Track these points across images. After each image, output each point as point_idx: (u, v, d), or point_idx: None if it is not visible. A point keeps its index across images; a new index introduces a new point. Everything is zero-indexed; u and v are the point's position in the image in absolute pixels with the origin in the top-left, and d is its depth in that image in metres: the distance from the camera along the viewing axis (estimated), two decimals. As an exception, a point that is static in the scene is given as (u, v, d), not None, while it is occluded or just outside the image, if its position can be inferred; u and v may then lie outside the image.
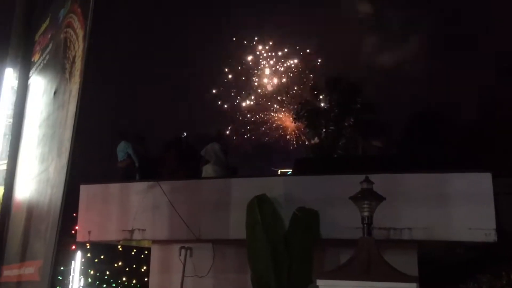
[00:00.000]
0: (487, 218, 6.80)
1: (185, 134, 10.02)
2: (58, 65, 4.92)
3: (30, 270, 4.32)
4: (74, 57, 4.53)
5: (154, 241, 9.03)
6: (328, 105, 32.26)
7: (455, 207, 7.00)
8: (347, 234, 7.49)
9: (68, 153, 4.12)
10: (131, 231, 8.40)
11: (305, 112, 33.54)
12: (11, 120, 5.84)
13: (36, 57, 5.94)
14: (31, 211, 4.79)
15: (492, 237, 6.73)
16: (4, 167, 5.69)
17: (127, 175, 9.88)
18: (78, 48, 4.47)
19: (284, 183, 8.06)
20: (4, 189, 5.64)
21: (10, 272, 5.00)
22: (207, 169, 9.17)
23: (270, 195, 7.60)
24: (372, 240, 4.78)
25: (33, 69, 5.92)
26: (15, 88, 5.95)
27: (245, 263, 8.37)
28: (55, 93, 4.82)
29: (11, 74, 5.99)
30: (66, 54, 4.72)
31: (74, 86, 4.37)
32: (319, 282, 4.49)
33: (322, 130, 32.25)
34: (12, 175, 5.70)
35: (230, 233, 7.96)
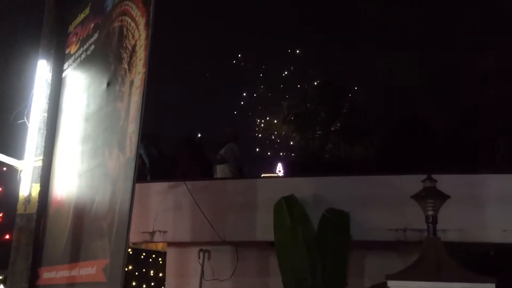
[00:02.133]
0: (522, 219, 6.79)
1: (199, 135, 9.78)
2: (110, 55, 4.68)
3: (89, 270, 4.05)
4: (134, 46, 4.30)
5: (170, 244, 8.76)
6: (316, 109, 32.46)
7: (489, 208, 6.97)
8: (377, 236, 7.42)
9: (136, 146, 3.91)
10: (152, 233, 8.11)
11: (293, 117, 33.60)
12: (45, 114, 5.55)
13: (72, 49, 5.66)
14: (83, 208, 4.51)
15: (527, 239, 6.72)
16: (40, 163, 5.39)
17: (138, 176, 9.57)
18: (140, 37, 4.25)
19: (311, 184, 7.91)
20: (40, 186, 5.34)
21: (55, 274, 4.71)
22: (224, 169, 8.96)
23: (297, 195, 7.46)
24: (439, 239, 4.69)
25: (70, 61, 5.64)
26: (49, 80, 5.67)
27: (266, 265, 8.20)
28: (108, 84, 4.57)
29: (44, 66, 5.70)
30: (123, 44, 4.48)
31: (137, 76, 4.15)
32: (391, 283, 4.35)
33: (310, 134, 32.35)
34: (48, 172, 5.41)
35: (256, 235, 7.77)
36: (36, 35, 5.70)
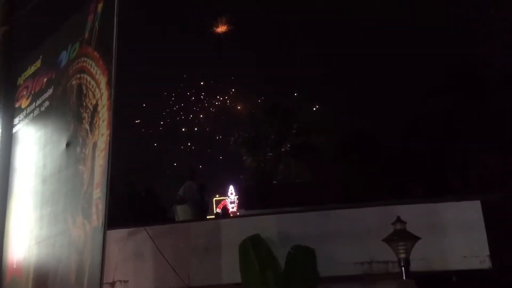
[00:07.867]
0: (480, 245, 7.02)
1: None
2: (69, 113, 4.44)
3: None
4: (95, 106, 4.11)
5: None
6: (265, 132, 32.68)
7: (448, 236, 7.17)
8: (344, 271, 7.45)
9: (104, 213, 3.70)
10: (112, 284, 7.75)
11: (242, 140, 33.67)
12: (-4, 173, 5.18)
13: (24, 103, 5.35)
14: (45, 279, 4.20)
15: (487, 264, 6.95)
16: (-8, 227, 5.01)
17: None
18: (101, 96, 4.07)
19: (275, 222, 7.87)
20: (-7, 252, 4.96)
21: None
22: (185, 210, 8.76)
23: (262, 234, 7.39)
24: (412, 282, 4.74)
25: (21, 115, 5.32)
26: (-1, 137, 5.31)
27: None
28: (67, 145, 4.33)
29: (-8, 121, 5.34)
30: (82, 102, 4.27)
31: (101, 138, 3.95)
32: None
33: (261, 156, 32.48)
34: (1, 237, 5.04)
35: (222, 278, 7.60)
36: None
